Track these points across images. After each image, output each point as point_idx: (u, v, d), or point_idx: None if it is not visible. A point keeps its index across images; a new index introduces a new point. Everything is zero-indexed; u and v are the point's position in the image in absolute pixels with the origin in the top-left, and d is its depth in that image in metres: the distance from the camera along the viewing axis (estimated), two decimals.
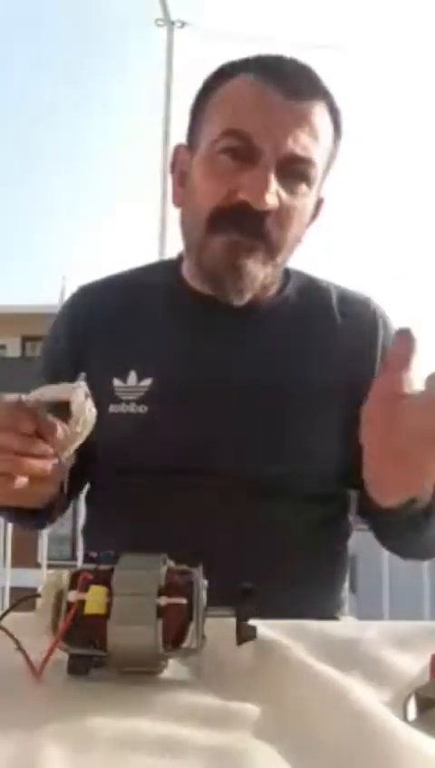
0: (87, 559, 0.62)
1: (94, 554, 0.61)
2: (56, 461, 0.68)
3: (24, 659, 0.56)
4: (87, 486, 1.01)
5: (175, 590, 0.57)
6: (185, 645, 0.56)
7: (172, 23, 4.42)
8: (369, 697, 0.49)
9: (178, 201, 0.92)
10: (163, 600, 0.56)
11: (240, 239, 0.84)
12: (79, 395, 0.68)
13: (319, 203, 0.93)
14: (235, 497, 0.85)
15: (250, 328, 0.91)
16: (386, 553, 1.71)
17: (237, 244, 0.84)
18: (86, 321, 0.98)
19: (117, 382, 0.91)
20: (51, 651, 0.56)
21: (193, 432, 0.88)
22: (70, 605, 0.56)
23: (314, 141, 0.83)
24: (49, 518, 0.88)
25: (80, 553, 2.17)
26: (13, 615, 0.61)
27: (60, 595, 0.58)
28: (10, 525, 2.59)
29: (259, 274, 0.86)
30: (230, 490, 0.85)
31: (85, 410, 0.68)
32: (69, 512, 1.11)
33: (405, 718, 0.49)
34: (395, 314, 1.00)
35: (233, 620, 0.59)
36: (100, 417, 0.93)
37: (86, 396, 0.68)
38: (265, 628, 0.61)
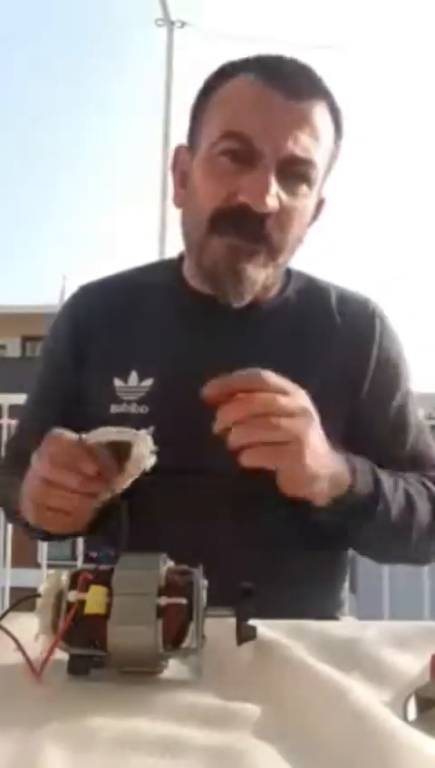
0: (87, 559, 0.62)
1: (94, 554, 0.61)
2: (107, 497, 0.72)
3: (24, 659, 0.56)
4: None
5: (175, 590, 0.57)
6: (185, 645, 0.56)
7: (172, 23, 4.43)
8: (369, 697, 0.49)
9: (180, 202, 0.92)
10: (163, 600, 0.56)
11: (241, 243, 0.84)
12: (145, 445, 0.70)
13: (320, 203, 0.93)
14: (235, 497, 0.85)
15: (251, 328, 0.91)
16: None
17: (238, 248, 0.84)
18: (87, 321, 0.98)
19: (118, 382, 0.92)
20: (51, 651, 0.56)
21: (194, 432, 0.88)
22: (70, 605, 0.56)
23: (314, 142, 0.83)
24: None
25: (80, 553, 2.17)
26: (13, 615, 0.61)
27: (60, 595, 0.58)
28: (10, 525, 2.59)
29: (259, 277, 0.86)
30: (230, 490, 0.85)
31: (146, 461, 0.70)
32: None
33: (405, 718, 0.49)
34: (395, 314, 1.01)
35: (233, 620, 0.59)
36: (100, 417, 0.94)
37: (151, 452, 0.70)
38: (265, 628, 0.61)
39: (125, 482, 0.71)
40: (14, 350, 17.84)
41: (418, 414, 0.98)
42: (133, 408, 0.90)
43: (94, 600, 0.56)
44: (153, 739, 0.46)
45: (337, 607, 0.98)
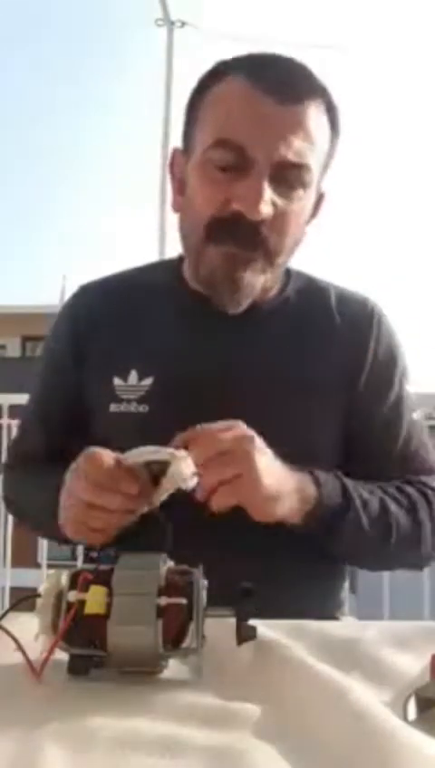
0: (87, 559, 0.62)
1: (94, 554, 0.61)
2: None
3: (24, 659, 0.56)
4: None
5: (175, 590, 0.57)
6: (185, 645, 0.56)
7: (172, 23, 4.43)
8: (369, 697, 0.49)
9: (178, 207, 0.92)
10: (163, 600, 0.56)
11: (237, 251, 0.84)
12: (186, 464, 0.71)
13: (319, 198, 0.92)
14: None
15: (251, 328, 0.91)
16: None
17: (235, 256, 0.84)
18: (87, 321, 0.98)
19: (117, 381, 0.92)
20: (51, 651, 0.56)
21: None
22: (70, 605, 0.56)
23: (308, 145, 0.82)
24: None
25: (80, 553, 2.17)
26: (13, 615, 0.61)
27: (60, 595, 0.58)
28: (10, 525, 2.59)
29: (257, 283, 0.86)
30: None
31: (188, 482, 0.71)
32: None
33: (405, 718, 0.49)
34: (395, 314, 1.01)
35: (233, 620, 0.59)
36: (100, 417, 0.94)
37: (193, 473, 0.71)
38: (265, 628, 0.61)
39: (161, 497, 0.72)
40: (14, 350, 17.83)
41: (414, 413, 0.98)
42: (133, 407, 0.90)
43: (94, 599, 0.56)
44: (153, 739, 0.46)
45: (337, 607, 0.98)
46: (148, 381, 0.91)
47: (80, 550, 2.16)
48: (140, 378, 0.91)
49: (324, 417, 0.92)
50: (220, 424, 0.76)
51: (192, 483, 0.71)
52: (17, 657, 0.56)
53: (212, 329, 0.90)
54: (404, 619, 0.84)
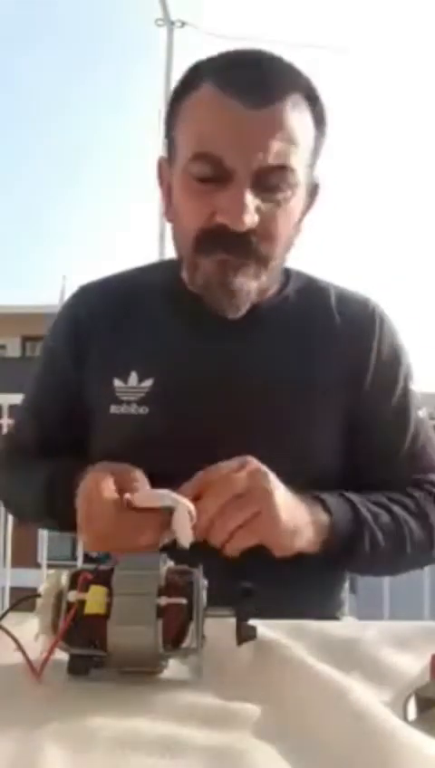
0: (87, 559, 0.62)
1: (94, 554, 0.61)
2: None
3: (24, 659, 0.56)
4: None
5: (175, 590, 0.57)
6: (185, 645, 0.56)
7: (172, 23, 4.42)
8: (369, 697, 0.49)
9: (170, 217, 0.91)
10: (163, 600, 0.56)
11: (228, 258, 0.83)
12: (189, 517, 0.71)
13: (314, 189, 0.91)
14: None
15: (250, 328, 0.91)
16: None
17: (226, 263, 0.83)
18: (87, 321, 0.98)
19: (117, 383, 0.91)
20: (51, 651, 0.56)
21: (194, 432, 0.88)
22: (70, 605, 0.56)
23: (288, 144, 0.81)
24: None
25: (80, 553, 2.17)
26: (13, 615, 0.61)
27: (60, 595, 0.58)
28: (10, 525, 2.59)
29: (253, 287, 0.86)
30: None
31: (183, 542, 0.71)
32: None
33: (405, 718, 0.49)
34: (395, 314, 1.01)
35: (233, 620, 0.59)
36: (100, 418, 0.93)
37: (191, 518, 0.71)
38: (265, 628, 0.61)
39: (166, 539, 0.72)
40: (14, 350, 17.83)
41: (419, 411, 0.98)
42: (133, 409, 0.90)
43: (94, 600, 0.56)
44: (153, 739, 0.46)
45: (337, 607, 0.98)
46: (148, 383, 0.91)
47: (80, 550, 2.17)
48: (141, 379, 0.91)
49: (325, 417, 0.92)
50: (232, 463, 0.75)
51: (189, 540, 0.71)
52: (17, 657, 0.56)
53: (212, 329, 0.90)
54: (404, 619, 0.84)
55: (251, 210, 0.80)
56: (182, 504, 0.70)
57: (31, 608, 0.59)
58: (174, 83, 0.90)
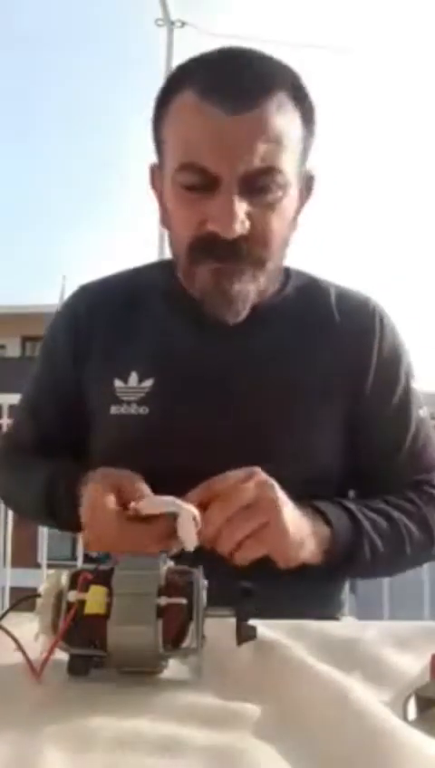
0: (87, 559, 0.62)
1: (94, 554, 0.61)
2: None
3: (24, 659, 0.56)
4: None
5: (175, 590, 0.57)
6: (185, 645, 0.56)
7: (172, 23, 4.43)
8: (369, 697, 0.49)
9: (166, 224, 0.91)
10: (163, 600, 0.56)
11: (221, 266, 0.83)
12: (193, 523, 0.71)
13: (309, 181, 0.91)
14: None
15: (250, 328, 0.91)
16: None
17: (220, 271, 0.83)
18: (86, 321, 0.98)
19: (118, 383, 0.91)
20: (51, 651, 0.56)
21: (194, 433, 0.88)
22: (70, 605, 0.56)
23: (275, 145, 0.80)
24: None
25: (80, 553, 2.17)
26: (13, 615, 0.61)
27: (60, 595, 0.58)
28: (10, 525, 2.59)
29: (251, 291, 0.86)
30: None
31: (188, 545, 0.71)
32: None
33: (405, 718, 0.49)
34: (395, 314, 1.01)
35: (233, 620, 0.59)
36: (100, 418, 0.93)
37: (196, 524, 0.71)
38: (265, 628, 0.61)
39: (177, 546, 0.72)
40: (14, 350, 17.84)
41: (420, 410, 0.98)
42: (133, 409, 0.90)
43: (94, 599, 0.56)
44: (153, 739, 0.46)
45: (337, 607, 0.98)
46: (148, 383, 0.90)
47: (80, 550, 2.17)
48: (141, 379, 0.91)
49: (326, 416, 0.92)
50: (239, 473, 0.75)
51: (194, 545, 0.71)
52: (17, 657, 0.56)
53: (212, 329, 0.90)
54: (404, 619, 0.84)
55: (240, 217, 0.80)
56: (186, 510, 0.70)
57: (31, 608, 0.59)
58: None
